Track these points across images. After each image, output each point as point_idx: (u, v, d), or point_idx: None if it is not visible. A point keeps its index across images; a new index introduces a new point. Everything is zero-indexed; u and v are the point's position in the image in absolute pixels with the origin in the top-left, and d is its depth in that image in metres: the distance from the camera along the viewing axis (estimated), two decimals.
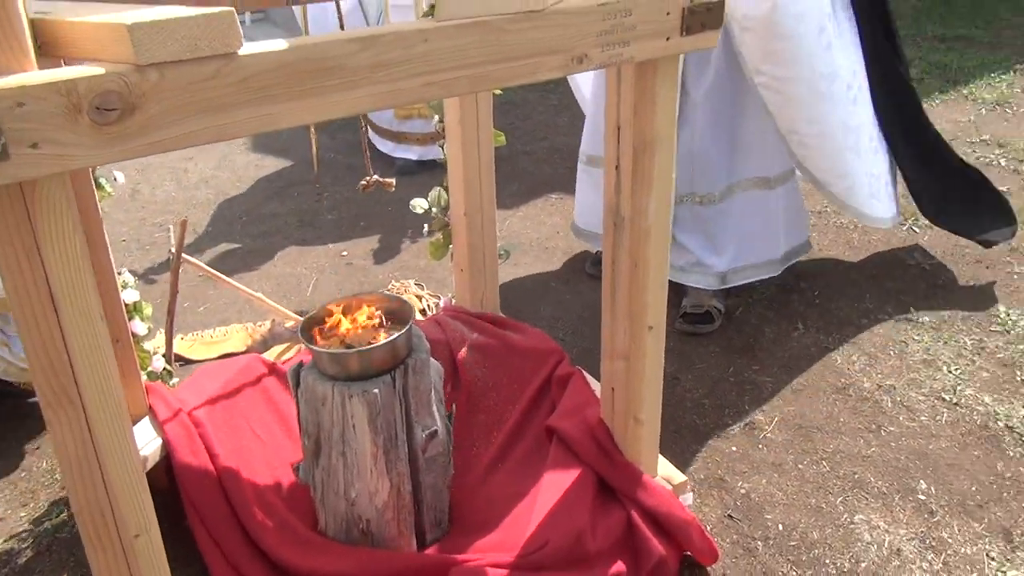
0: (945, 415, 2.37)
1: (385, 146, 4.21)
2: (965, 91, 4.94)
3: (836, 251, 3.27)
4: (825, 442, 2.30)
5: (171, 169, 4.38)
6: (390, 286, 3.11)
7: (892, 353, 2.64)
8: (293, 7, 1.84)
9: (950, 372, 2.53)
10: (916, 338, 2.70)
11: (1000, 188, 3.68)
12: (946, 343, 2.67)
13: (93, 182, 1.86)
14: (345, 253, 3.47)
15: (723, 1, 1.43)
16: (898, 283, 3.02)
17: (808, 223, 3.08)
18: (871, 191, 2.87)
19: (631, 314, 1.71)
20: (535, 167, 4.26)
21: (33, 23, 1.04)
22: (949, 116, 4.59)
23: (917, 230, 3.39)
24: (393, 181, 2.36)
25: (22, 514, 2.15)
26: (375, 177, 2.29)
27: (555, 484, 1.88)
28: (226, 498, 1.97)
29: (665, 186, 1.58)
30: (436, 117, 2.31)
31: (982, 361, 2.58)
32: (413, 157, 4.13)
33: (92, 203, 1.83)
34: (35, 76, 0.93)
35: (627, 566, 1.80)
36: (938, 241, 3.29)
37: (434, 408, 1.92)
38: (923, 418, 2.36)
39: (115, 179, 2.04)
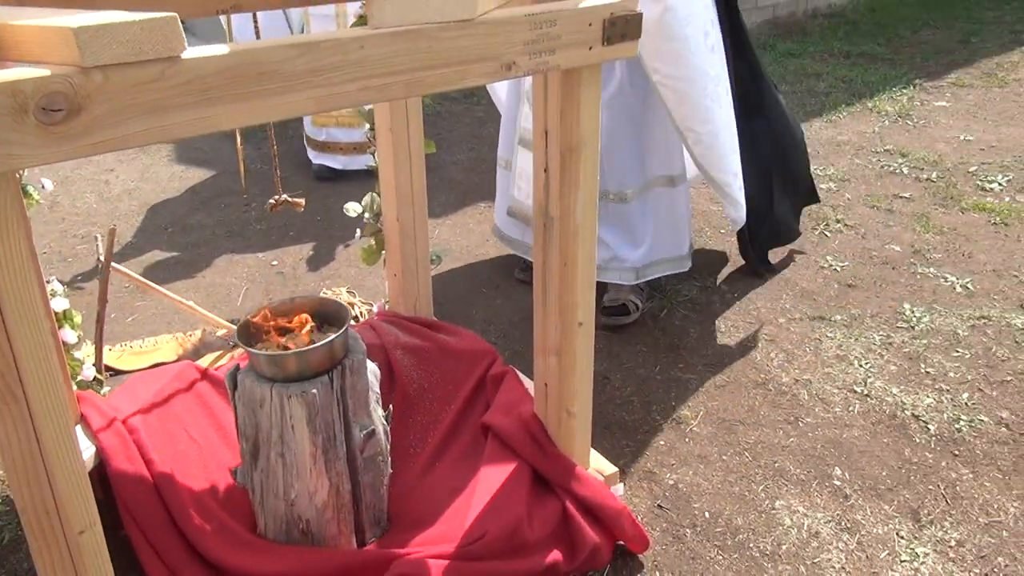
0: (857, 406, 2.51)
1: (311, 154, 4.24)
2: (870, 104, 5.20)
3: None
4: (747, 434, 2.41)
5: (92, 181, 4.30)
6: (322, 293, 3.13)
7: (808, 350, 2.78)
8: (220, 16, 1.88)
9: (861, 366, 2.68)
10: (829, 335, 2.85)
11: (903, 194, 3.90)
12: (857, 339, 2.82)
13: (20, 189, 1.85)
14: (275, 263, 3.47)
15: (641, 14, 1.52)
16: (811, 284, 3.17)
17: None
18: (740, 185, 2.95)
19: (562, 311, 1.79)
20: (463, 176, 4.33)
21: None
22: (855, 128, 4.82)
23: (828, 235, 3.56)
24: (302, 201, 2.39)
25: None
26: (283, 196, 2.32)
27: (492, 477, 1.94)
28: (163, 504, 1.97)
29: (591, 187, 1.67)
30: (367, 126, 2.35)
31: (890, 355, 2.73)
32: (337, 166, 4.17)
33: (20, 210, 1.81)
34: None
35: (563, 554, 1.87)
36: (848, 244, 3.47)
37: (371, 408, 1.96)
38: (837, 409, 2.50)
39: (43, 186, 2.03)
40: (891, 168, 4.24)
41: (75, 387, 2.17)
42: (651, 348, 2.81)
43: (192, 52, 1.08)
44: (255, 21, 1.99)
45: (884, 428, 2.41)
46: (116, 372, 2.69)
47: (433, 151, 2.34)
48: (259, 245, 3.61)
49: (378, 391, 2.01)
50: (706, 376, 2.66)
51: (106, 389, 2.29)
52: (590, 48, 1.49)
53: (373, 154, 2.37)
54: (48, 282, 2.01)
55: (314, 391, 1.78)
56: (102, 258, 2.31)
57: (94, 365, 2.29)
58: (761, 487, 2.21)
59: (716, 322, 2.95)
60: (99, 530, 1.31)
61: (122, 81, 1.04)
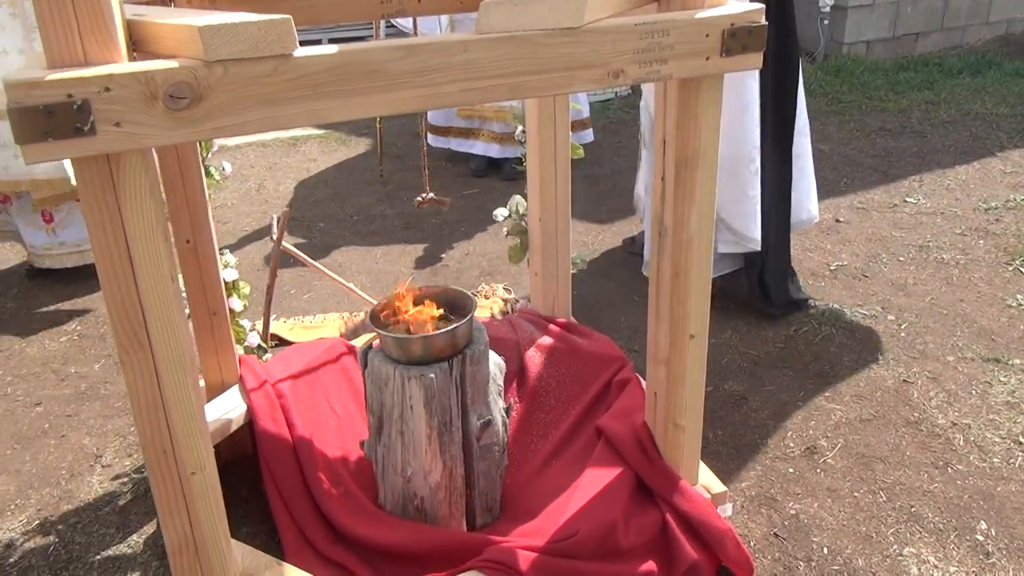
0: (1020, 459, 2.29)
1: (453, 143, 4.48)
2: None
3: (932, 286, 3.19)
4: (886, 473, 2.27)
5: (295, 168, 4.70)
6: (480, 288, 3.26)
7: (974, 392, 2.57)
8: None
9: None
10: (1003, 379, 2.62)
11: None
12: None
13: (203, 170, 2.08)
14: (443, 255, 3.65)
15: (765, 26, 1.50)
16: (993, 323, 2.92)
17: None
18: (753, 211, 2.86)
19: (672, 321, 1.78)
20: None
21: (129, 24, 1.24)
22: None
23: None
24: (447, 200, 2.51)
25: (127, 463, 2.41)
26: (430, 195, 2.44)
27: (595, 479, 1.96)
28: (299, 465, 2.15)
29: (707, 199, 1.65)
30: (519, 127, 2.44)
31: None
32: (492, 154, 4.40)
33: (200, 189, 2.05)
34: (121, 67, 1.12)
35: (658, 566, 1.86)
36: None
37: (491, 399, 2.04)
38: (995, 460, 2.30)
39: (223, 168, 2.27)
40: None
41: (240, 351, 2.41)
42: (798, 373, 2.70)
43: (304, 51, 1.20)
44: (414, 24, 2.14)
45: None
46: (284, 342, 2.94)
47: (580, 156, 2.39)
48: (432, 237, 3.81)
49: (501, 384, 2.08)
50: (852, 408, 2.52)
51: (267, 356, 2.53)
52: (707, 59, 1.49)
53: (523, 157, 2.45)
54: (221, 254, 2.25)
55: (432, 375, 1.88)
56: (275, 238, 2.54)
57: (259, 333, 2.54)
58: (891, 530, 2.08)
59: (875, 353, 2.78)
60: (212, 473, 1.47)
61: (240, 74, 1.17)
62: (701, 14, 1.46)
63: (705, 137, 1.59)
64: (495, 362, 2.07)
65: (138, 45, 1.25)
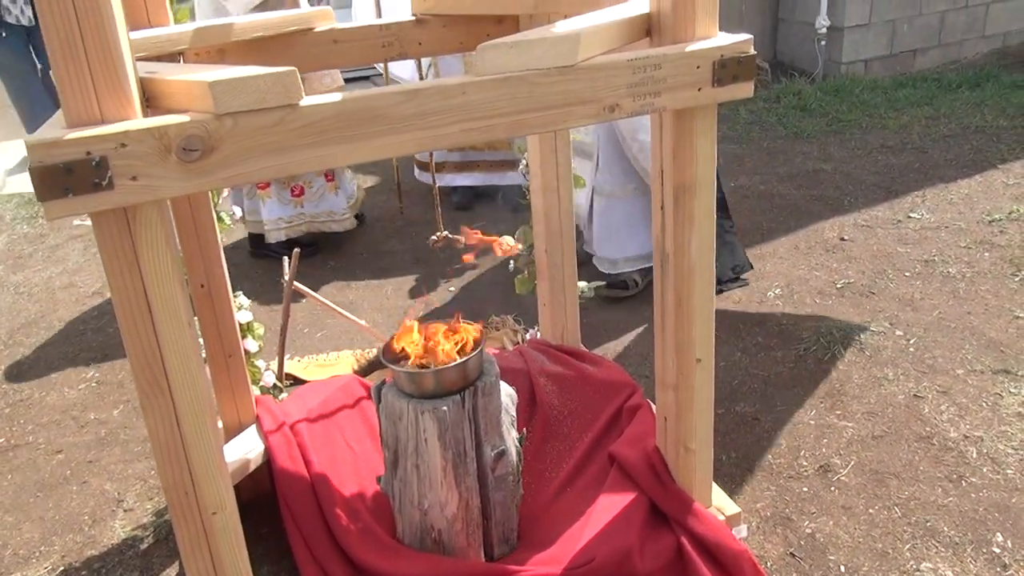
0: None
1: (442, 179, 4.55)
2: None
3: (940, 300, 3.21)
4: (900, 488, 2.28)
5: None
6: (490, 320, 3.29)
7: (984, 405, 2.58)
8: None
9: None
10: (1013, 391, 2.63)
11: None
12: None
13: (215, 215, 2.14)
14: (452, 289, 3.69)
15: (754, 55, 1.54)
16: (1001, 335, 2.93)
17: None
18: None
19: (678, 347, 1.81)
20: None
21: (142, 81, 1.29)
22: None
23: None
24: (462, 238, 2.56)
25: (148, 506, 2.44)
26: (445, 233, 2.48)
27: (609, 505, 1.98)
28: (317, 502, 2.18)
29: (707, 225, 1.69)
30: (523, 160, 2.49)
31: None
32: (475, 183, 4.48)
33: (212, 234, 2.10)
34: (136, 123, 1.17)
35: None
36: None
37: (504, 429, 2.06)
38: (1009, 471, 2.30)
39: (233, 213, 2.33)
40: None
41: (256, 391, 2.45)
42: (808, 392, 2.72)
43: (309, 100, 1.25)
44: (418, 65, 2.20)
45: None
46: (298, 381, 2.98)
47: (583, 186, 2.44)
48: (442, 271, 3.86)
49: (514, 414, 2.11)
50: (864, 425, 2.54)
51: (283, 395, 2.56)
52: (699, 89, 1.53)
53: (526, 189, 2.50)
54: (235, 296, 2.30)
55: (444, 408, 1.91)
56: (286, 278, 2.59)
57: (275, 373, 2.58)
58: (907, 546, 2.09)
59: (885, 369, 2.80)
60: (233, 513, 1.50)
61: (248, 126, 1.22)
62: (691, 47, 1.50)
63: (702, 165, 1.63)
64: (507, 393, 2.11)
65: (151, 101, 1.30)
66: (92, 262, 4.32)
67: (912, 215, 4.02)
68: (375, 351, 3.14)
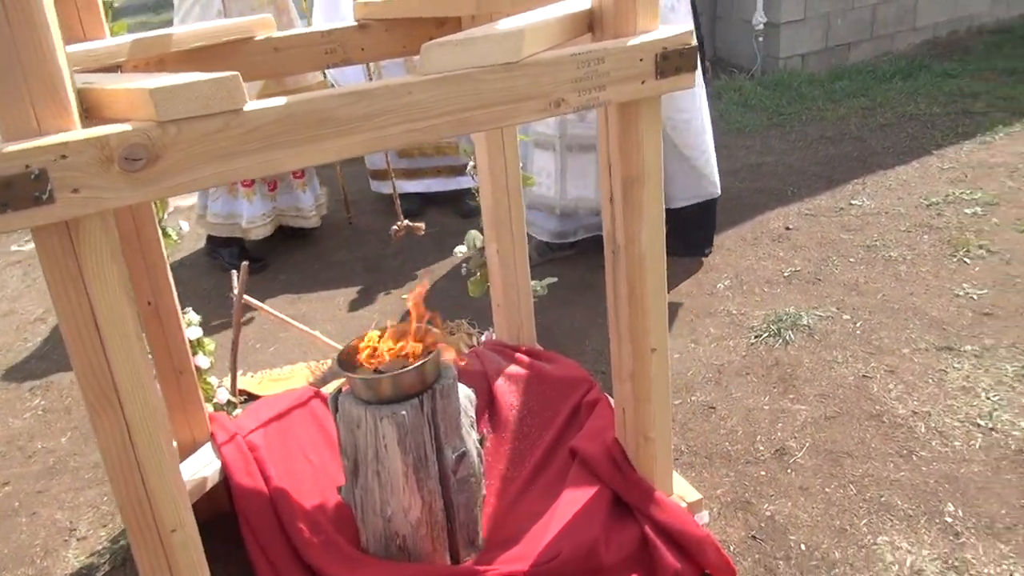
0: (979, 440, 2.37)
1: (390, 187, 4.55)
2: None
3: (883, 283, 3.29)
4: (854, 467, 2.33)
5: None
6: (445, 324, 3.28)
7: (930, 381, 2.65)
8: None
9: (988, 399, 2.53)
10: (956, 366, 2.70)
11: None
12: (987, 371, 2.66)
13: (160, 231, 2.10)
14: (405, 296, 3.67)
15: (695, 47, 1.57)
16: (943, 313, 3.02)
17: None
18: (714, 163, 3.55)
19: (633, 337, 1.83)
20: None
21: (80, 92, 1.27)
22: (1012, 149, 4.53)
23: (968, 261, 3.37)
24: (422, 225, 2.56)
25: (102, 533, 2.38)
26: (405, 223, 2.48)
27: (572, 500, 1.99)
28: (277, 517, 2.15)
29: (655, 216, 1.71)
30: (471, 163, 2.49)
31: (1023, 388, 2.56)
32: (421, 190, 4.47)
33: (158, 250, 2.07)
34: (76, 134, 1.15)
35: None
36: (989, 271, 3.27)
37: (464, 431, 2.06)
38: (956, 443, 2.37)
39: (180, 228, 2.29)
40: None
41: (210, 408, 2.41)
42: (761, 378, 2.77)
43: (253, 104, 1.24)
44: (367, 68, 2.20)
45: (1008, 464, 2.27)
46: (253, 397, 2.93)
47: (533, 185, 2.45)
48: (393, 280, 3.84)
49: (473, 415, 2.11)
50: (816, 407, 2.59)
51: (237, 411, 2.53)
52: (643, 82, 1.55)
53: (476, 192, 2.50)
54: (184, 312, 2.26)
55: (403, 412, 1.90)
56: (235, 292, 2.56)
57: (228, 389, 2.54)
58: (864, 521, 2.14)
59: (834, 352, 2.86)
60: (192, 530, 1.48)
61: (193, 132, 1.21)
62: (633, 41, 1.52)
63: (648, 157, 1.65)
64: (465, 394, 2.10)
65: (90, 112, 1.28)
66: (32, 288, 4.21)
67: (853, 202, 4.11)
68: (329, 363, 3.11)
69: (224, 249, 4.09)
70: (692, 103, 3.34)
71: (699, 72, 3.19)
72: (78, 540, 2.37)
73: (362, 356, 2.03)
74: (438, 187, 4.44)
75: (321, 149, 1.30)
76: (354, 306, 3.64)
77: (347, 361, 2.04)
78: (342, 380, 2.92)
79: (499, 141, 2.33)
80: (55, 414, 3.04)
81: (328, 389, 2.76)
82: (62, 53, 1.18)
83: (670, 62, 1.56)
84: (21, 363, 3.42)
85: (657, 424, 1.91)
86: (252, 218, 3.95)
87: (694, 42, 1.58)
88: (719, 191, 3.62)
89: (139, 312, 2.07)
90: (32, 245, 4.86)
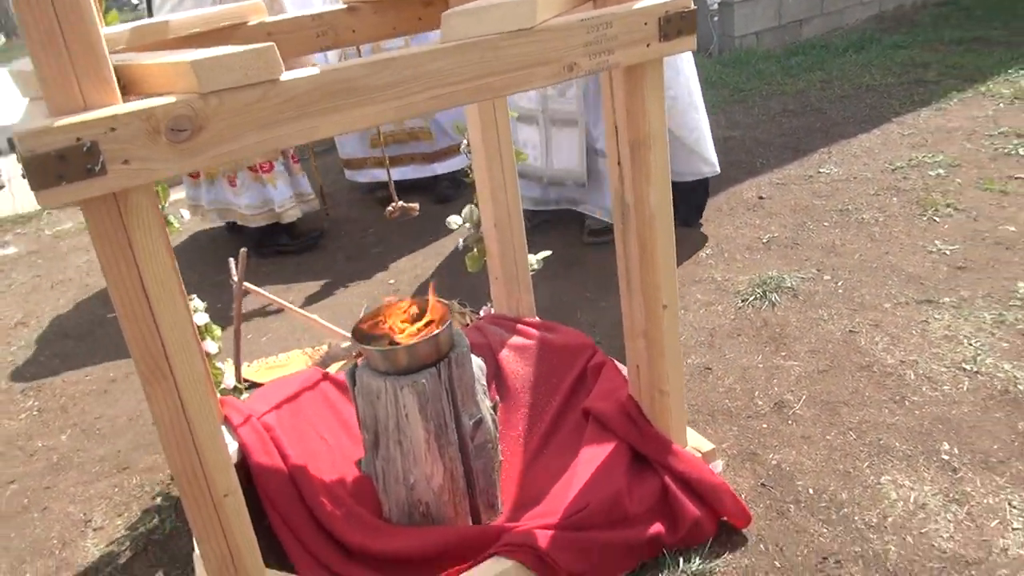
0: (966, 383, 2.48)
1: (366, 175, 4.59)
2: (983, 88, 5.04)
3: (859, 244, 3.40)
4: (851, 415, 2.42)
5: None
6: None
7: (914, 332, 2.76)
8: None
9: (971, 345, 2.65)
10: (937, 317, 2.82)
11: (1020, 175, 3.78)
12: (967, 319, 2.78)
13: (163, 219, 2.12)
14: (392, 281, 3.71)
15: (695, 10, 1.64)
16: (919, 269, 3.14)
17: None
18: (709, 142, 3.59)
19: (645, 294, 1.90)
20: None
21: (116, 68, 1.29)
22: (966, 114, 4.69)
23: (937, 219, 3.50)
24: (416, 205, 2.60)
25: (118, 522, 2.39)
26: (400, 203, 2.52)
27: (592, 457, 2.06)
28: (299, 493, 2.18)
29: (662, 177, 1.78)
30: (465, 141, 2.54)
31: (1002, 333, 2.68)
32: (400, 177, 4.48)
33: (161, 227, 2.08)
34: (122, 107, 1.18)
35: (665, 527, 1.96)
36: (958, 228, 3.40)
37: (479, 398, 2.11)
38: (945, 387, 2.48)
39: (182, 216, 2.31)
40: (1006, 150, 4.11)
41: (218, 393, 2.43)
42: (752, 339, 2.86)
43: (289, 74, 1.28)
44: (359, 51, 2.23)
45: (995, 403, 2.38)
46: (253, 384, 2.95)
47: (525, 159, 2.50)
48: (376, 266, 3.87)
49: (484, 383, 2.16)
50: (808, 362, 2.69)
51: (245, 396, 2.55)
52: (648, 45, 1.62)
53: (469, 169, 2.55)
54: (191, 299, 2.28)
55: (423, 380, 1.95)
56: (235, 279, 2.58)
57: (234, 376, 2.56)
58: (866, 464, 2.23)
59: (819, 310, 2.96)
60: (240, 497, 1.51)
61: (234, 102, 1.24)
62: (637, 5, 1.59)
63: (653, 120, 1.72)
64: (476, 363, 2.15)
65: (127, 88, 1.30)
66: (8, 293, 4.16)
67: (821, 170, 4.23)
68: (326, 346, 3.14)
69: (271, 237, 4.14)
70: (676, 80, 3.36)
71: (688, 53, 3.24)
72: (94, 530, 2.37)
73: (385, 324, 2.07)
74: (412, 175, 4.47)
75: (354, 116, 1.34)
76: (339, 295, 3.67)
77: (361, 335, 2.08)
78: (342, 363, 2.96)
79: (492, 115, 2.37)
80: (51, 414, 3.03)
81: (332, 370, 2.79)
82: (100, 30, 1.20)
83: (672, 24, 1.63)
84: (7, 367, 3.40)
85: (671, 378, 1.98)
86: (282, 201, 3.97)
87: (693, 5, 1.65)
88: (717, 170, 3.65)
89: None
90: (4, 251, 4.80)
